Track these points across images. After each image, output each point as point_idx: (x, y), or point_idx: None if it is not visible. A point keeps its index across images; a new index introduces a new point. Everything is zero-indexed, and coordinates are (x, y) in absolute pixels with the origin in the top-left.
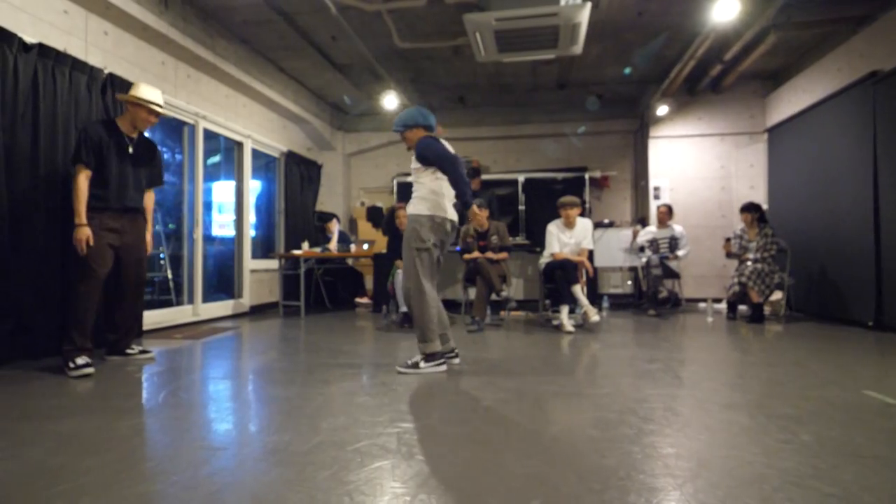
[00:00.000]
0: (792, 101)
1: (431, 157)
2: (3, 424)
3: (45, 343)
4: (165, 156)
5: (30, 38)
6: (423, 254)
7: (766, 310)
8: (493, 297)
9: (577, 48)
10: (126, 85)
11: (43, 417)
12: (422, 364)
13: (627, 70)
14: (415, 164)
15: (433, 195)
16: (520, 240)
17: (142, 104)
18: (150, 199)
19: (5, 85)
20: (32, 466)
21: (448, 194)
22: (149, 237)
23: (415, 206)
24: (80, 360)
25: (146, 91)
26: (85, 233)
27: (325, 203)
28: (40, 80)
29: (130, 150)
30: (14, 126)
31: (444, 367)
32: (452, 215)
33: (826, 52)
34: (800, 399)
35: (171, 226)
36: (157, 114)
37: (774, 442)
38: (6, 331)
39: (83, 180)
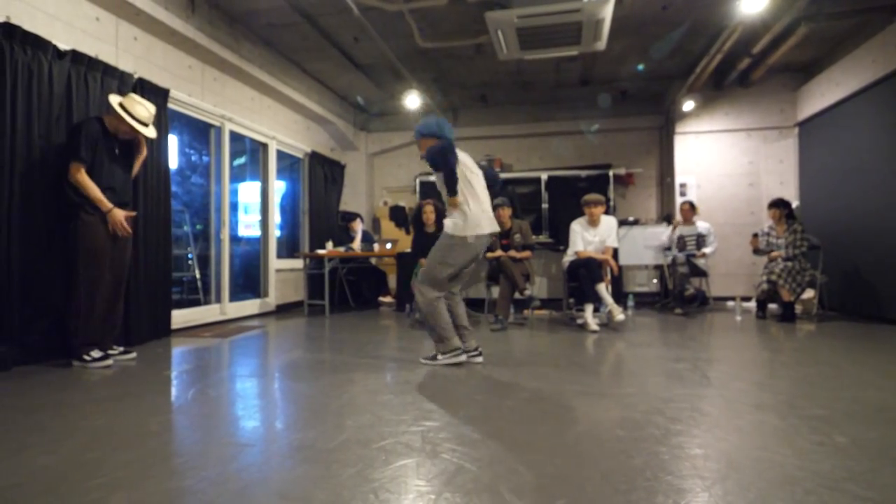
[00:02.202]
0: (824, 94)
1: (429, 157)
2: (41, 419)
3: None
4: (193, 158)
5: (63, 45)
6: (447, 268)
7: (798, 308)
8: (517, 295)
9: (601, 44)
10: (155, 89)
11: (78, 413)
12: (440, 357)
13: (640, 66)
14: (437, 176)
15: (470, 214)
16: (543, 238)
17: (123, 121)
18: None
19: (41, 90)
20: (69, 460)
21: (483, 200)
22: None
23: (453, 226)
24: (96, 353)
25: (133, 108)
26: (120, 214)
27: (348, 203)
28: (73, 86)
29: (116, 150)
30: (49, 130)
31: (462, 358)
32: (489, 228)
33: (860, 43)
34: (833, 400)
35: (198, 226)
36: (137, 133)
37: (807, 443)
38: (41, 329)
39: (84, 175)
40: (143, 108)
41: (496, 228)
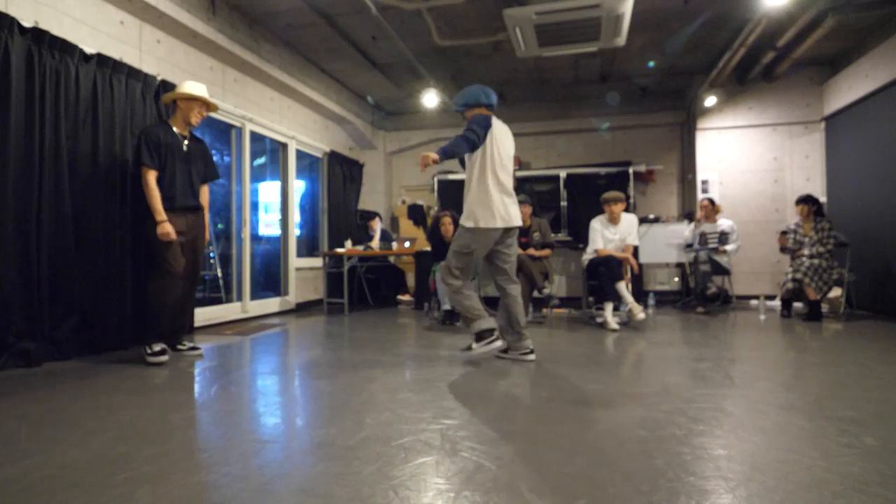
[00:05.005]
0: (852, 87)
1: (473, 125)
2: (72, 414)
3: (107, 338)
4: (214, 158)
5: (89, 49)
6: (463, 256)
7: (824, 307)
8: (536, 294)
9: (621, 40)
10: None
11: (106, 409)
12: (474, 346)
13: (651, 64)
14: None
15: (481, 203)
16: (562, 236)
17: (195, 98)
18: (205, 193)
19: (68, 93)
20: (98, 454)
21: (500, 189)
22: (206, 231)
23: (465, 216)
24: (157, 347)
25: (194, 87)
26: (167, 227)
27: (366, 202)
28: (99, 88)
29: (185, 148)
30: (76, 131)
31: (498, 343)
32: (504, 221)
33: (890, 35)
34: (863, 401)
35: (220, 226)
36: (209, 106)
37: (835, 445)
38: (71, 326)
39: (152, 180)
40: (195, 84)
41: (511, 219)
